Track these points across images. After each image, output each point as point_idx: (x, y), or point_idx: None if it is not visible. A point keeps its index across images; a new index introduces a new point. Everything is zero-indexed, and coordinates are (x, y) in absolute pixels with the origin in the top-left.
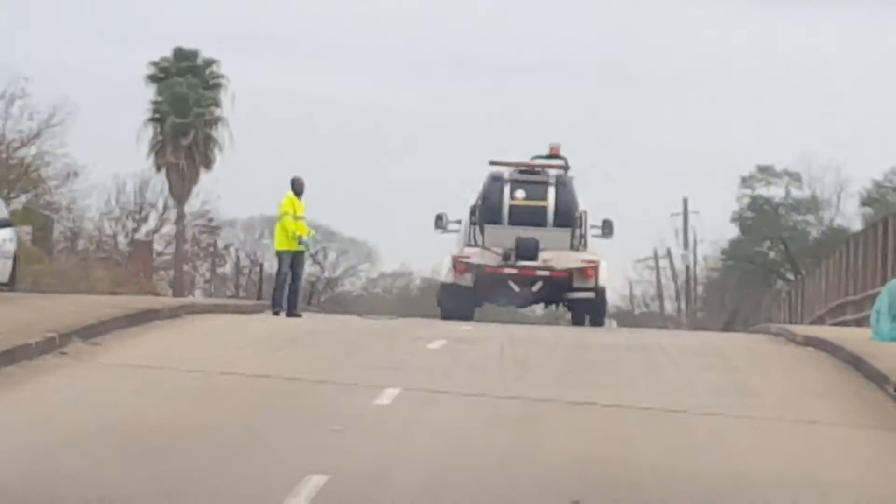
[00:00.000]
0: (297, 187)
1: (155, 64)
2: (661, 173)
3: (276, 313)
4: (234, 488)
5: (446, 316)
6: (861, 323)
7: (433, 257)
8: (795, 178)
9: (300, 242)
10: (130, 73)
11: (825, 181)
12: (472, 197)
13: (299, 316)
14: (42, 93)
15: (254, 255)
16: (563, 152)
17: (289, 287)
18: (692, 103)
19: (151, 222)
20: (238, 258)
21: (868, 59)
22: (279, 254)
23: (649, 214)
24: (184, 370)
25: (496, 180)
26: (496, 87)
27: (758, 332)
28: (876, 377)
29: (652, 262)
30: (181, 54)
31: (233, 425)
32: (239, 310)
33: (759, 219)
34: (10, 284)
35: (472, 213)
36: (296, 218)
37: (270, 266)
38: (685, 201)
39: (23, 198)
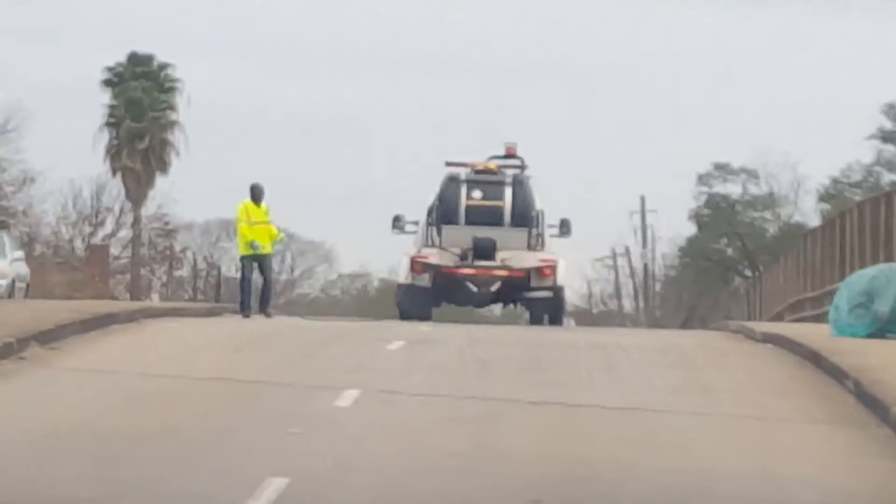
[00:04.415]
0: (254, 193)
1: (110, 69)
2: (618, 172)
3: (245, 316)
4: (194, 491)
5: (405, 317)
6: (820, 319)
7: (391, 258)
8: (752, 175)
9: (252, 247)
10: (86, 78)
11: (782, 178)
12: (430, 198)
13: (270, 316)
14: None
15: (211, 258)
16: (519, 152)
17: (261, 288)
18: (649, 102)
19: (108, 227)
20: (195, 261)
21: (825, 57)
22: (241, 259)
23: (607, 213)
24: (142, 374)
25: (453, 181)
26: (455, 88)
27: (716, 330)
28: (835, 373)
29: (610, 261)
30: (136, 59)
31: (192, 429)
32: (197, 313)
33: (716, 216)
34: None
35: (430, 213)
36: (253, 223)
37: (228, 269)
38: (643, 200)
39: None
